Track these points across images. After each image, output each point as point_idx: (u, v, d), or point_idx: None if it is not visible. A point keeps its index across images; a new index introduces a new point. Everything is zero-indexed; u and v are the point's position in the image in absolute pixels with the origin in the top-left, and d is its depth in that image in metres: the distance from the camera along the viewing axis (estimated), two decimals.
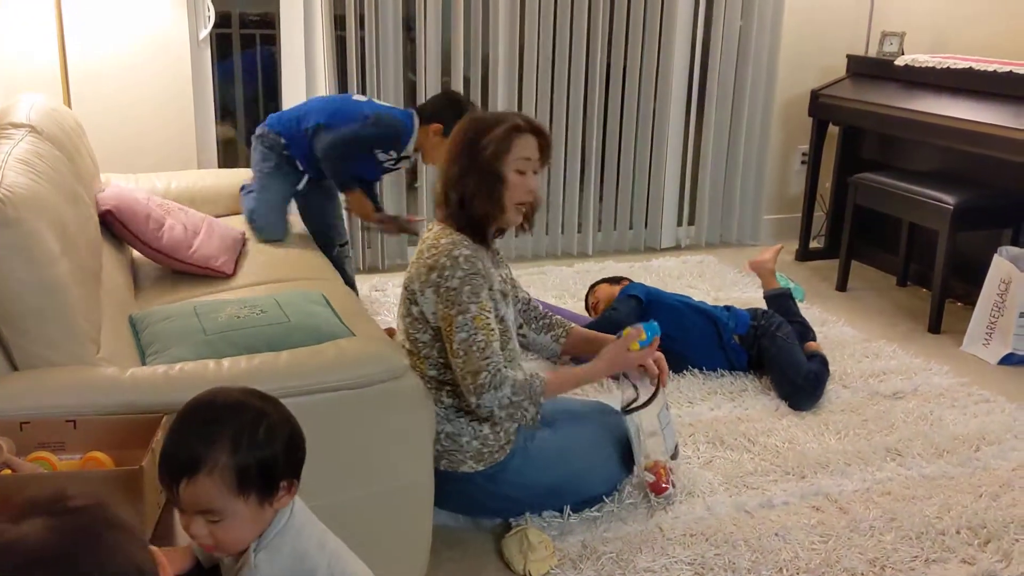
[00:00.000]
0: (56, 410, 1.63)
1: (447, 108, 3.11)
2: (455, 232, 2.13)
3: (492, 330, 2.06)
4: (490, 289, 2.10)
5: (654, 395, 2.32)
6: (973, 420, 2.92)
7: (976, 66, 3.78)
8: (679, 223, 4.77)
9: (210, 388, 1.25)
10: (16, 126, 2.29)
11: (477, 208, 2.12)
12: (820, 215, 4.70)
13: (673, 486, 2.40)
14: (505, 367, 2.08)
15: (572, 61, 4.31)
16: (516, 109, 4.29)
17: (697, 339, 3.17)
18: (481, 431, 2.17)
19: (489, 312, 2.06)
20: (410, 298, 2.16)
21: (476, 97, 4.23)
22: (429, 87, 4.08)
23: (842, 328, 3.68)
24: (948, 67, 3.88)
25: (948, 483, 2.54)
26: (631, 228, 4.70)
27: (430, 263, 2.09)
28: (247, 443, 1.17)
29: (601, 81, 4.41)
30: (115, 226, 2.66)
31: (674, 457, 2.48)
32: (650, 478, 2.37)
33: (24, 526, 0.74)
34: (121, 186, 2.89)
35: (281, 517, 1.23)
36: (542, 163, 2.18)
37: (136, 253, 2.81)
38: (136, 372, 1.78)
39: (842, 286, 4.19)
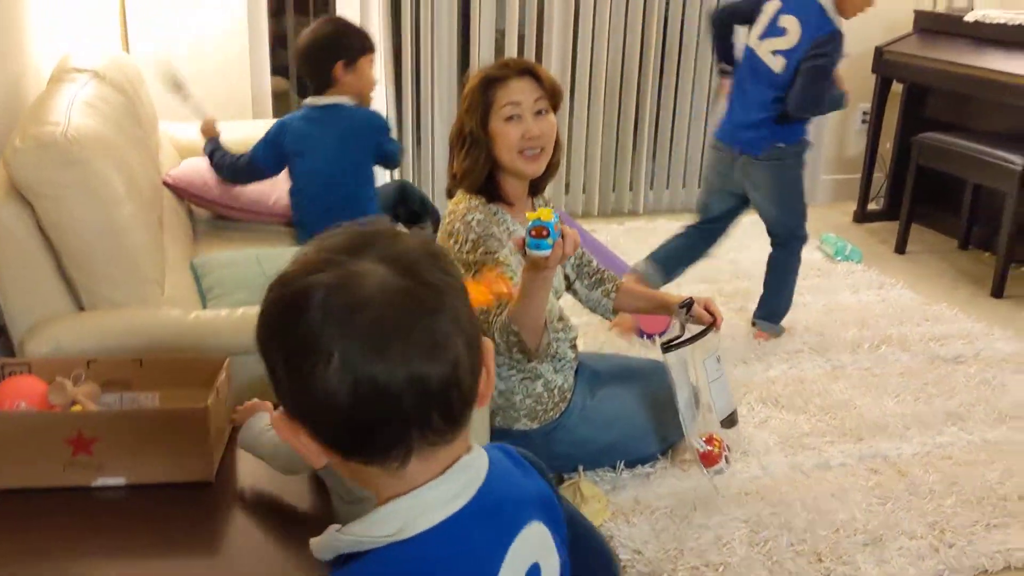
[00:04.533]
0: (122, 350, 1.65)
1: None
2: (472, 196, 2.04)
3: (512, 281, 1.88)
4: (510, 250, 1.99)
5: (701, 333, 2.06)
6: None
7: None
8: None
9: None
10: (80, 71, 2.31)
11: (470, 169, 2.01)
12: (879, 176, 4.59)
13: (727, 463, 2.13)
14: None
15: (628, 19, 4.22)
16: (570, 68, 4.23)
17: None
18: (534, 389, 2.15)
19: (508, 264, 1.96)
20: None
21: (531, 52, 4.18)
22: (483, 42, 4.04)
23: (901, 291, 3.61)
24: (1020, 24, 3.73)
25: (1011, 448, 2.49)
26: (684, 186, 4.63)
27: (448, 229, 2.03)
28: None
29: (658, 39, 4.31)
30: (192, 199, 2.76)
31: (729, 425, 2.18)
32: (702, 448, 2.10)
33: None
34: (190, 163, 2.88)
35: None
36: (550, 102, 2.01)
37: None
38: (200, 314, 1.80)
39: (901, 249, 4.09)
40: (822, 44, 2.81)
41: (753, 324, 3.16)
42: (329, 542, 0.83)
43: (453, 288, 0.81)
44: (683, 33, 4.36)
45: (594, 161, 4.41)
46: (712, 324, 2.08)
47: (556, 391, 2.19)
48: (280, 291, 0.80)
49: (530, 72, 2.00)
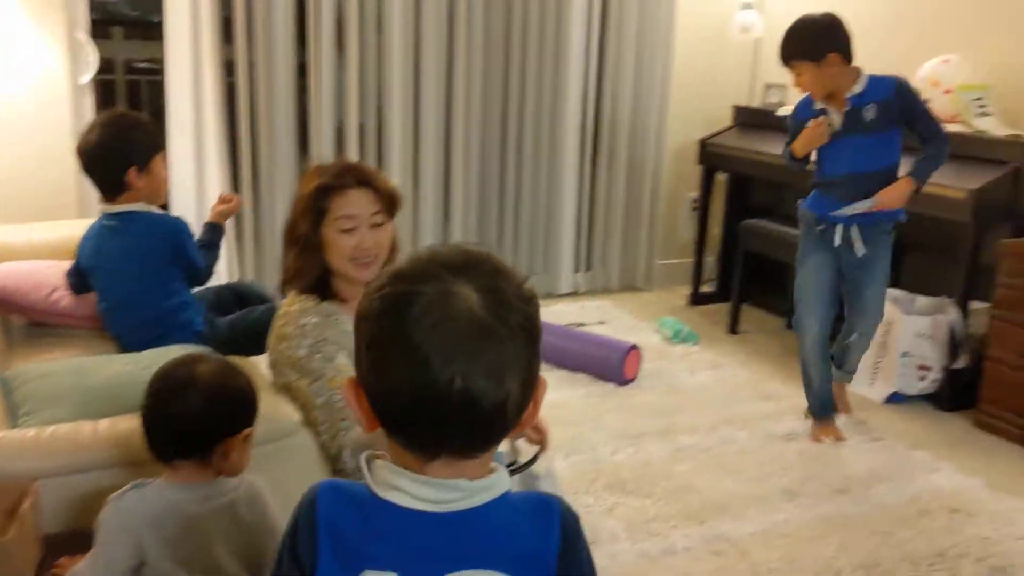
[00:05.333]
0: None
1: None
2: (306, 296, 1.96)
3: None
4: (349, 354, 1.89)
5: (534, 458, 2.02)
6: (865, 458, 3.00)
7: None
8: (576, 269, 4.82)
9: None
10: None
11: (301, 270, 1.95)
12: (712, 260, 4.82)
13: None
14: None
15: (469, 107, 4.33)
16: (412, 157, 4.27)
17: None
18: None
19: (346, 372, 1.89)
20: (272, 368, 2.02)
21: (371, 144, 4.20)
22: (324, 134, 4.03)
23: (735, 370, 3.76)
24: None
25: (843, 522, 2.59)
26: (531, 274, 4.71)
27: (281, 332, 1.95)
28: None
29: (498, 128, 4.44)
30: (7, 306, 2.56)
31: None
32: None
33: None
34: (8, 265, 2.70)
35: None
36: (388, 213, 1.97)
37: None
38: (5, 435, 1.65)
39: (734, 329, 4.28)
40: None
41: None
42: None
43: (527, 333, 0.94)
44: (523, 122, 4.49)
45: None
46: (541, 446, 1.97)
47: None
48: (391, 288, 0.93)
49: (369, 183, 1.95)
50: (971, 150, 3.43)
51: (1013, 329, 3.17)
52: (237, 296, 2.92)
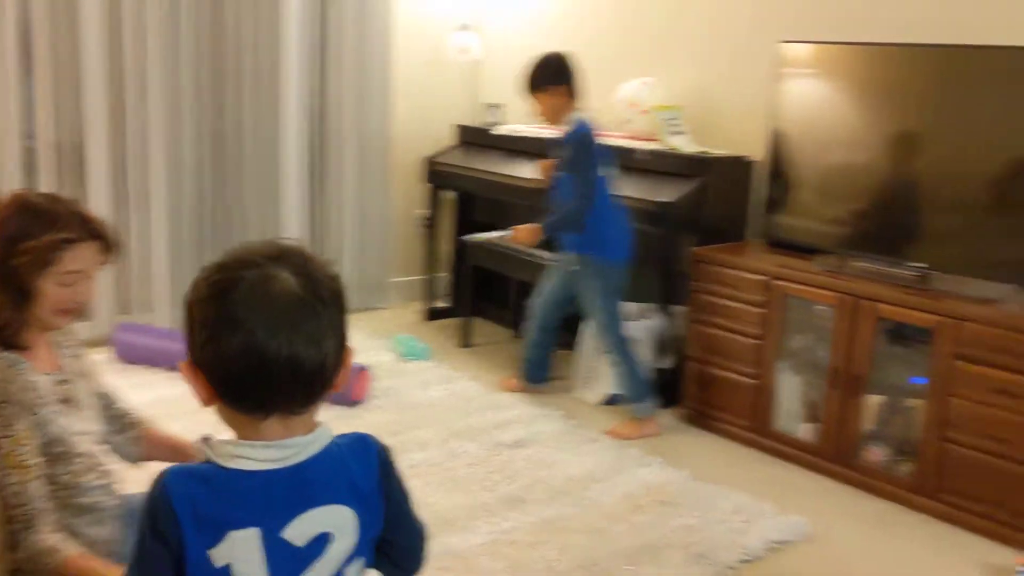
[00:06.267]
0: None
1: None
2: None
3: (28, 467, 1.70)
4: (34, 413, 1.74)
5: None
6: (583, 460, 3.16)
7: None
8: None
9: None
10: None
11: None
12: (446, 275, 4.90)
13: None
14: (44, 510, 1.72)
15: (184, 125, 4.12)
16: (119, 179, 4.00)
17: None
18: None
19: (25, 444, 1.72)
20: None
21: (72, 165, 3.88)
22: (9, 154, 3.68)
23: (467, 383, 3.84)
24: (532, 136, 4.23)
25: (564, 524, 2.71)
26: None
27: None
28: None
29: (212, 151, 4.25)
30: None
31: None
32: None
33: None
34: None
35: None
36: (104, 262, 1.85)
37: None
38: None
39: (466, 343, 4.37)
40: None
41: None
42: (203, 448, 1.14)
43: (337, 305, 1.13)
44: (243, 145, 4.34)
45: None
46: None
47: (100, 545, 1.96)
48: (218, 275, 1.09)
49: (100, 236, 1.79)
50: (666, 166, 3.73)
51: (705, 330, 3.48)
52: None
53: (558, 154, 3.43)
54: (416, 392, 3.71)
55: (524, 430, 3.37)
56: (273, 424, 1.11)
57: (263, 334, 1.05)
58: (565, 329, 3.87)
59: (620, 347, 3.44)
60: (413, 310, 4.83)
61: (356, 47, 4.55)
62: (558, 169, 3.43)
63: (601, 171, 3.35)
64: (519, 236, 3.51)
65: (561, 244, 3.56)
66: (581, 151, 3.32)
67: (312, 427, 1.16)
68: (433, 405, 3.59)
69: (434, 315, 4.78)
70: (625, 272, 3.45)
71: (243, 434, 1.13)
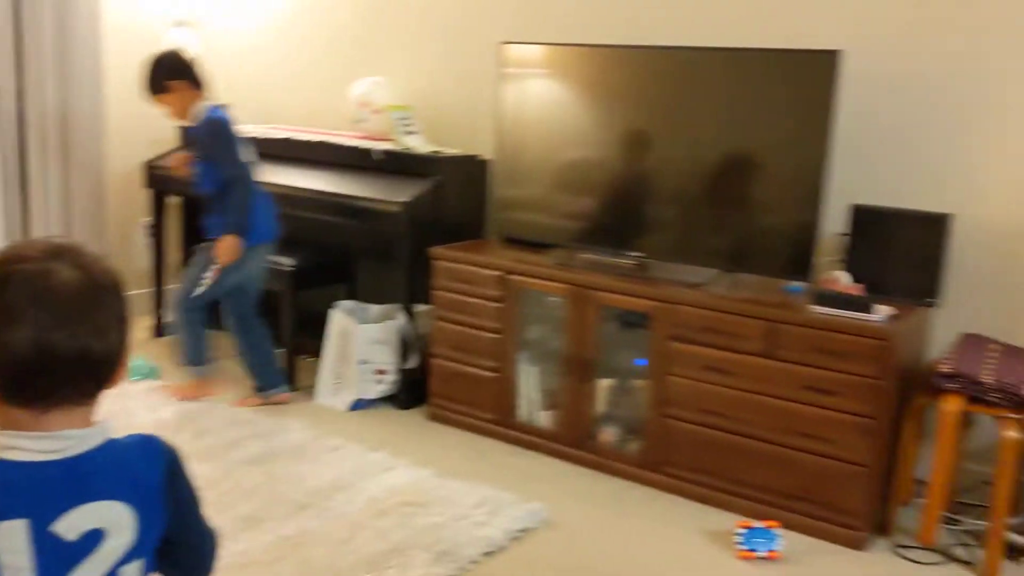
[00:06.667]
0: None
1: None
2: None
3: None
4: None
5: None
6: (327, 469, 3.06)
7: (294, 136, 4.05)
8: None
9: None
10: None
11: None
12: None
13: None
14: None
15: None
16: None
17: None
18: None
19: None
20: None
21: None
22: None
23: (200, 403, 3.61)
24: (269, 137, 4.07)
25: (304, 539, 2.60)
26: None
27: None
28: None
29: None
30: None
31: None
32: None
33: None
34: None
35: None
36: None
37: None
38: None
39: None
40: None
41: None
42: None
43: (117, 298, 1.15)
44: None
45: None
46: None
47: None
48: None
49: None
50: (401, 166, 3.71)
51: (448, 327, 3.49)
52: None
53: (193, 147, 3.51)
54: (144, 415, 3.44)
55: (263, 445, 3.23)
56: (55, 417, 1.12)
57: (48, 326, 1.07)
58: (311, 335, 3.78)
59: (189, 314, 3.53)
60: (141, 327, 4.49)
61: (60, 48, 4.14)
62: (196, 161, 3.49)
63: (242, 156, 3.40)
64: (224, 260, 3.41)
65: (208, 231, 3.53)
66: (217, 139, 3.36)
67: (90, 423, 1.17)
68: (163, 427, 3.35)
69: (164, 331, 4.47)
70: (267, 255, 3.55)
71: (20, 428, 1.12)
